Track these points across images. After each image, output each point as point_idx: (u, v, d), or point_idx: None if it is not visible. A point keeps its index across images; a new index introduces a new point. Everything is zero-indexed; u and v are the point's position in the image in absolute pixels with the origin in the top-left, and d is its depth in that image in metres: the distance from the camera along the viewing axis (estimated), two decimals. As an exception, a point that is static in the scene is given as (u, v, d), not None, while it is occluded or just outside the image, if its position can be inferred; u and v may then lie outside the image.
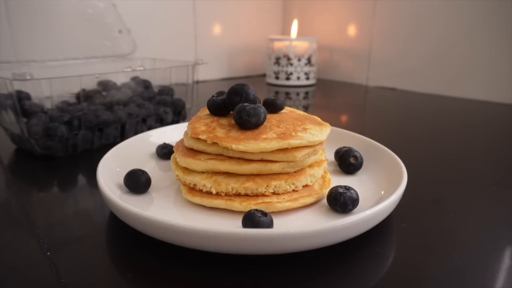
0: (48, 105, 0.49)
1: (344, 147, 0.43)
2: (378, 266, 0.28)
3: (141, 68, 0.60)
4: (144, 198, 0.35)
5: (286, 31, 1.33)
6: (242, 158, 0.33)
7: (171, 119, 0.61)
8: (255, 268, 0.27)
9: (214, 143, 0.33)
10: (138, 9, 0.95)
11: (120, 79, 0.59)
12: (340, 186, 0.33)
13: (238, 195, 0.33)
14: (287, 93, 0.99)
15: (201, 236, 0.25)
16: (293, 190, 0.34)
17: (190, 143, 0.35)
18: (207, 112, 0.39)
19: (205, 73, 1.16)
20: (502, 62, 0.85)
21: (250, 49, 1.26)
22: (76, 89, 0.50)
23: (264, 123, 0.35)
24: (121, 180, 0.36)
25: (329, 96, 1.02)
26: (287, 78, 1.10)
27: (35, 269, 0.27)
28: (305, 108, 0.85)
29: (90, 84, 0.53)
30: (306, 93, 1.01)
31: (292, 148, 0.33)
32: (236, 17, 1.20)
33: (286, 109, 0.41)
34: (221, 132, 0.34)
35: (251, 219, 0.28)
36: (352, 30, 1.13)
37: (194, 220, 0.32)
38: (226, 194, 0.33)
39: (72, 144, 0.48)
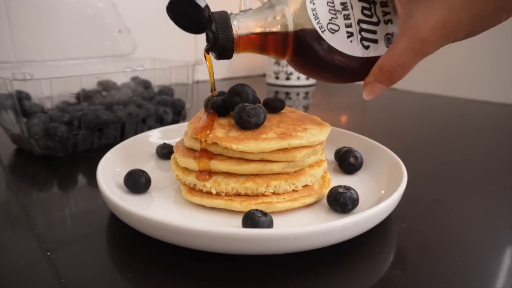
0: (48, 105, 0.49)
1: (344, 147, 0.43)
2: (378, 266, 0.28)
3: (141, 68, 0.60)
4: (144, 198, 0.35)
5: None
6: (242, 158, 0.33)
7: (171, 119, 0.61)
8: (255, 268, 0.27)
9: (214, 143, 0.33)
10: (138, 9, 0.95)
11: (120, 79, 0.59)
12: (340, 186, 0.32)
13: (238, 195, 0.33)
14: (287, 93, 0.99)
15: (201, 236, 0.25)
16: (293, 190, 0.34)
17: (190, 143, 0.35)
18: (207, 112, 0.39)
19: (205, 73, 1.16)
20: (502, 62, 0.85)
21: (250, 49, 1.26)
22: (76, 89, 0.50)
23: (264, 123, 0.35)
24: (121, 180, 0.36)
25: (329, 96, 1.02)
26: (287, 78, 1.10)
27: (35, 269, 0.27)
28: (305, 108, 0.85)
29: (90, 84, 0.53)
30: (306, 93, 1.01)
31: (292, 148, 0.33)
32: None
33: (286, 109, 0.41)
34: (221, 132, 0.34)
35: (251, 219, 0.28)
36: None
37: (194, 220, 0.32)
38: (226, 194, 0.33)
39: (72, 144, 0.48)
